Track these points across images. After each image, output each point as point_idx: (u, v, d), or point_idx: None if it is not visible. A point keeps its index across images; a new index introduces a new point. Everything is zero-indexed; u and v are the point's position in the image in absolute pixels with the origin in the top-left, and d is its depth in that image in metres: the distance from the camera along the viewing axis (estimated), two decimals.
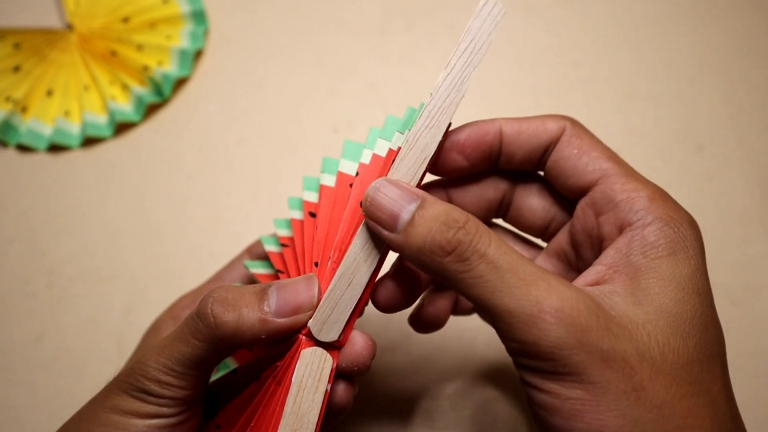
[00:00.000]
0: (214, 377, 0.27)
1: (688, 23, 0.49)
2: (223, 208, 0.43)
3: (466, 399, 0.37)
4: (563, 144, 0.25)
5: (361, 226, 0.24)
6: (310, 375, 0.23)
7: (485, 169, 0.27)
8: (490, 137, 0.26)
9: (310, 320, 0.24)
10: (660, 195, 0.23)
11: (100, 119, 0.46)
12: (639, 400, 0.20)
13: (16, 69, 0.46)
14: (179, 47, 0.47)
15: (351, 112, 0.46)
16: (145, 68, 0.46)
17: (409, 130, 0.24)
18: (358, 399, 0.31)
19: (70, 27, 0.48)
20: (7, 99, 0.45)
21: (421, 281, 0.27)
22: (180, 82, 0.47)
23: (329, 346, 0.24)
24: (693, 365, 0.21)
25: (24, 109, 0.45)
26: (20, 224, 0.43)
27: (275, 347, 0.25)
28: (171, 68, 0.46)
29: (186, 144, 0.46)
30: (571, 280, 0.27)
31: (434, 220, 0.21)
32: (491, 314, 0.21)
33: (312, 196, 0.28)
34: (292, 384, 0.23)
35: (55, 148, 0.45)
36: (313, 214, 0.27)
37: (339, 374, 0.25)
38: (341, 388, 0.25)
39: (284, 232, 0.29)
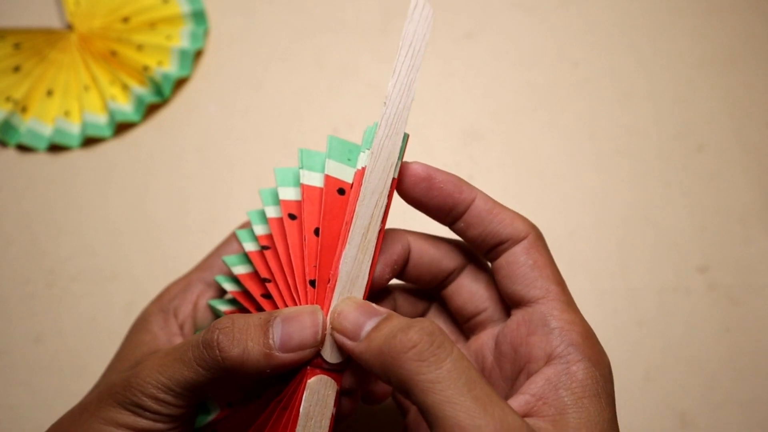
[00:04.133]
0: (197, 426, 0.26)
1: (688, 23, 0.49)
2: (223, 208, 0.43)
3: None
4: (522, 249, 0.26)
5: (355, 216, 0.24)
6: (317, 404, 0.23)
7: (439, 216, 0.27)
8: (464, 195, 0.26)
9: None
10: (590, 334, 0.25)
11: (100, 119, 0.46)
12: None
13: (16, 69, 0.46)
14: (179, 47, 0.47)
15: (351, 112, 0.46)
16: (145, 68, 0.46)
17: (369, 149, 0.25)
18: None
19: (70, 27, 0.48)
20: (7, 99, 0.45)
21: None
22: (180, 82, 0.47)
23: (333, 369, 0.24)
24: None
25: (24, 109, 0.45)
26: (20, 224, 0.43)
27: (279, 379, 0.25)
28: (171, 68, 0.46)
29: (186, 144, 0.46)
30: None
31: (397, 326, 0.22)
32: (438, 424, 0.21)
33: (289, 193, 0.27)
34: (300, 416, 0.23)
35: (55, 148, 0.45)
36: (293, 216, 0.26)
37: (342, 392, 0.25)
38: (345, 402, 0.26)
39: (261, 230, 0.28)
